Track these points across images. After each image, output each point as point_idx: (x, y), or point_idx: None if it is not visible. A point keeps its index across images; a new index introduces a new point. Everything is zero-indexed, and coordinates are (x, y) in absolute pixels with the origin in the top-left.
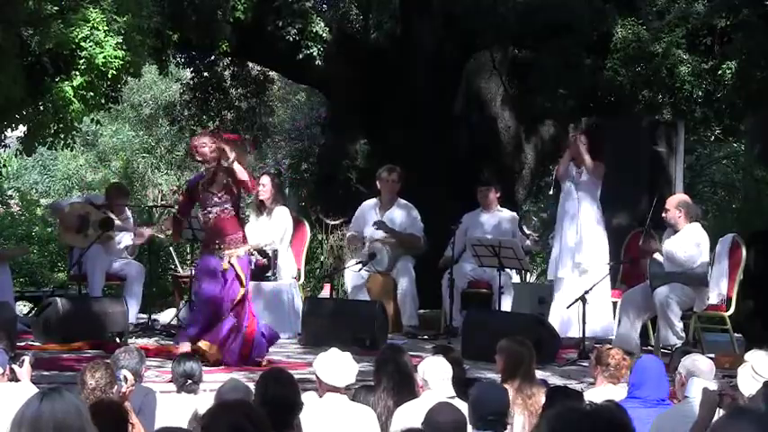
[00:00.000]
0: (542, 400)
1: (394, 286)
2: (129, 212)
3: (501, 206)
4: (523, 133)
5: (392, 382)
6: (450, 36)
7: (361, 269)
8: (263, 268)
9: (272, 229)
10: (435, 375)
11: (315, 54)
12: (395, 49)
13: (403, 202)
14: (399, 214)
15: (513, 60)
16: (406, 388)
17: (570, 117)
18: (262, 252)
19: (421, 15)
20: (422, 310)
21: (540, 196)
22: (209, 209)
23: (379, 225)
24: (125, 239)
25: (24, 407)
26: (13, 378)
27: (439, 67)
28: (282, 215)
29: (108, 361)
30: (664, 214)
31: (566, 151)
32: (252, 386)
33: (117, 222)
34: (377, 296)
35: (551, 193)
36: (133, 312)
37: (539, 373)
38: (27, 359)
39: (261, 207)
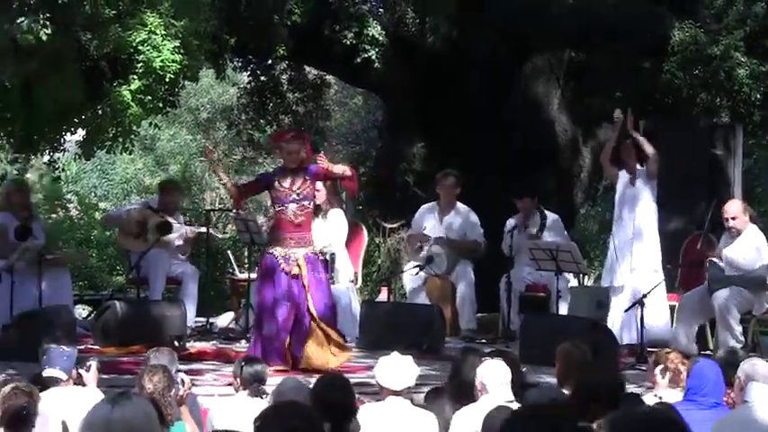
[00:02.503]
0: None
1: (452, 290)
2: (181, 216)
3: (545, 208)
4: (581, 136)
5: (467, 386)
6: (505, 40)
7: (418, 272)
8: None
9: (329, 232)
10: (494, 379)
11: (372, 58)
12: (451, 52)
13: (462, 206)
14: (458, 219)
15: (570, 63)
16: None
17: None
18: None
19: (475, 19)
20: (479, 314)
21: (597, 200)
22: (285, 204)
23: (437, 241)
24: (176, 241)
25: (94, 410)
26: (79, 382)
27: (494, 70)
28: (338, 217)
29: (165, 364)
30: (729, 222)
31: (613, 134)
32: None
33: (175, 224)
34: (435, 299)
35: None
36: (191, 315)
37: None
38: (94, 364)
39: (316, 210)
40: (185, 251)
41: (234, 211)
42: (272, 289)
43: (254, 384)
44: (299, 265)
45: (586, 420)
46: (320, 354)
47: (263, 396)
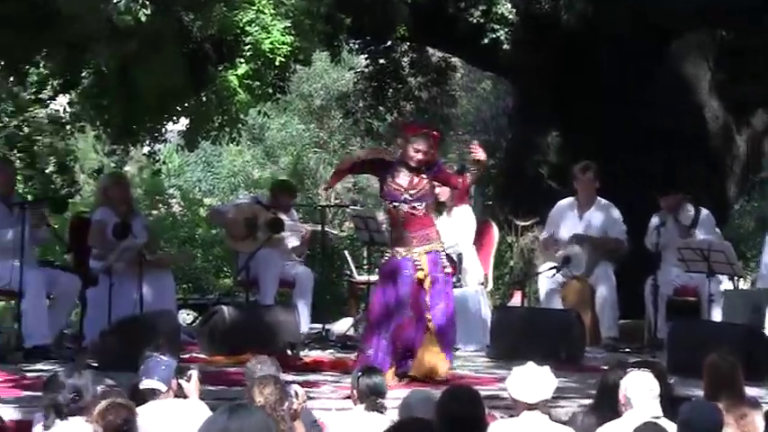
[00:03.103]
0: (757, 420)
1: (591, 293)
2: (295, 213)
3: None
4: (734, 124)
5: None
6: (649, 18)
7: (554, 274)
8: None
9: (454, 230)
10: (640, 393)
11: (501, 38)
12: (586, 30)
13: (603, 201)
14: (599, 215)
15: (721, 44)
16: None
17: None
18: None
19: None
20: (622, 320)
21: (753, 194)
22: (397, 203)
23: (577, 239)
24: (292, 240)
25: (211, 422)
26: (180, 394)
27: (637, 51)
28: (464, 214)
29: (276, 375)
30: None
31: None
32: None
33: (287, 222)
34: (573, 304)
35: None
36: (305, 320)
37: (755, 392)
38: (195, 374)
39: (440, 207)
40: (302, 252)
41: (326, 188)
42: (391, 292)
43: (371, 398)
44: (421, 269)
45: None
46: (430, 357)
47: (383, 411)
